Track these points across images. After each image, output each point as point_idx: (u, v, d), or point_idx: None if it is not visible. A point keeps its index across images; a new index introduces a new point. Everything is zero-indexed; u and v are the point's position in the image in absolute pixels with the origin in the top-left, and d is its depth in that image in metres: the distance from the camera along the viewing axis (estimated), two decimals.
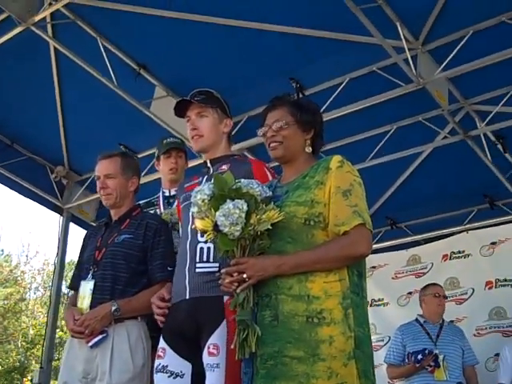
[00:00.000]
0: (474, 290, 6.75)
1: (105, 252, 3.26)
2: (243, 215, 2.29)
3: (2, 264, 26.06)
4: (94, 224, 4.06)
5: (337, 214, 2.33)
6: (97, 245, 3.32)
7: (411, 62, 5.17)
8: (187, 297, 2.72)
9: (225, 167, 2.87)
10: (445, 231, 7.49)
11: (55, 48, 5.90)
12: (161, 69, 6.11)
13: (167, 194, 3.99)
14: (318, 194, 2.38)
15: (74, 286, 3.38)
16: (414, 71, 5.19)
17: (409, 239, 7.87)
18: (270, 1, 5.18)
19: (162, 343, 2.80)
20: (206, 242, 2.68)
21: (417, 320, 5.46)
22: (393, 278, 7.50)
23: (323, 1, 4.95)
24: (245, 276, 2.33)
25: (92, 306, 3.12)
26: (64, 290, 7.58)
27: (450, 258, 7.12)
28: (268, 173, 2.87)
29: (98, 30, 5.74)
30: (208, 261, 2.72)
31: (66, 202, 7.81)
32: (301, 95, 5.85)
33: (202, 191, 2.41)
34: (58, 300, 7.95)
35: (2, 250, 28.06)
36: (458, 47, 5.11)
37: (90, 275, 3.22)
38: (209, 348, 2.57)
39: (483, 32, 5.08)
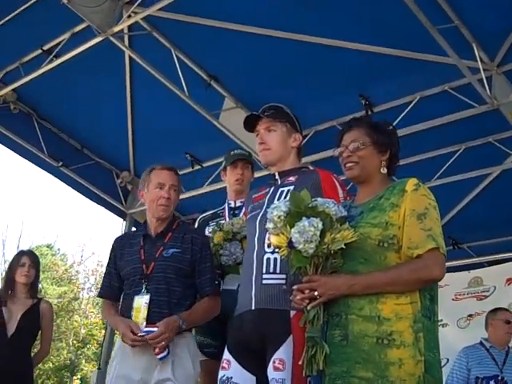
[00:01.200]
0: None
1: (154, 266, 3.25)
2: (318, 233, 2.30)
3: (57, 263, 26.70)
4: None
5: (411, 236, 2.32)
6: (141, 258, 3.30)
7: (486, 83, 5.12)
8: (253, 307, 2.71)
9: (292, 179, 2.89)
10: (509, 255, 7.34)
11: (130, 58, 6.04)
12: (231, 81, 6.20)
13: (232, 205, 4.03)
14: (393, 216, 2.37)
15: (110, 295, 3.41)
16: (488, 92, 5.14)
17: (471, 261, 7.73)
18: (344, 17, 5.19)
19: (226, 354, 2.79)
20: (272, 252, 2.69)
21: (481, 344, 5.35)
22: (453, 300, 7.40)
23: (399, 19, 4.93)
24: (316, 293, 2.34)
25: (148, 319, 3.15)
26: None
27: None
28: (336, 182, 2.87)
29: (172, 42, 5.87)
30: (275, 272, 2.71)
31: (129, 207, 7.99)
32: (369, 112, 5.85)
33: (279, 207, 2.43)
34: None
35: (59, 249, 28.79)
36: None
37: (143, 289, 3.21)
38: (274, 362, 2.56)
39: None
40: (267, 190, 2.96)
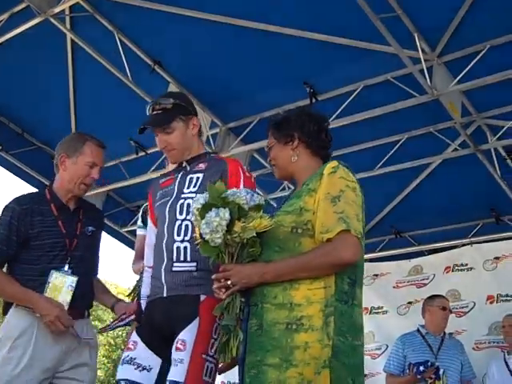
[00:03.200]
0: (475, 303, 6.76)
1: (77, 243, 3.16)
2: (224, 223, 2.31)
3: None
4: None
5: (323, 221, 2.29)
6: (61, 231, 3.14)
7: (426, 73, 5.17)
8: (164, 295, 2.72)
9: (202, 166, 2.90)
10: (449, 243, 7.49)
11: (72, 40, 5.92)
12: (175, 66, 6.12)
13: None
14: (308, 201, 2.36)
15: (5, 260, 3.12)
16: (428, 82, 5.19)
17: (413, 249, 7.85)
18: (289, 5, 5.18)
19: (134, 336, 2.78)
20: (182, 241, 2.72)
21: (418, 331, 5.47)
22: (394, 287, 7.51)
23: (342, 8, 4.95)
24: (229, 282, 2.34)
25: (72, 304, 3.05)
26: None
27: (453, 270, 7.12)
28: (241, 171, 2.86)
29: (115, 25, 5.76)
30: (185, 260, 2.71)
31: None
32: (314, 100, 5.86)
33: (197, 200, 2.44)
34: None
35: None
36: (473, 61, 5.11)
37: (66, 267, 3.09)
38: (177, 343, 2.57)
39: (500, 47, 5.08)
40: (175, 175, 2.94)
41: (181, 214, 2.77)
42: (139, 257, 3.81)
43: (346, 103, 5.80)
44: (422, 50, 5.13)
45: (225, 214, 2.32)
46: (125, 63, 5.85)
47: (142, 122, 2.92)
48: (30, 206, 3.12)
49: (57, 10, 5.32)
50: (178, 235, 2.73)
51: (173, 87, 6.25)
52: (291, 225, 2.35)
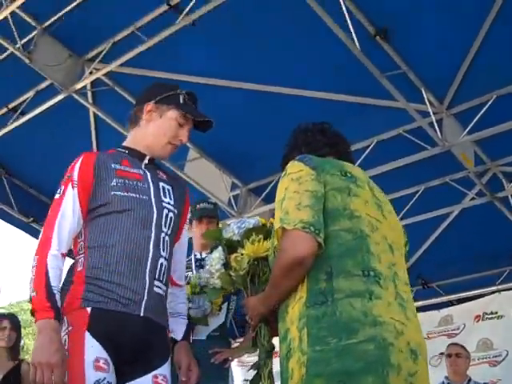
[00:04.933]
0: (508, 352, 6.68)
1: None
2: (214, 263, 2.44)
3: None
4: None
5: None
6: None
7: (436, 126, 5.31)
8: (141, 314, 2.33)
9: (163, 175, 2.64)
10: (476, 292, 7.45)
11: (94, 113, 6.20)
12: (193, 132, 6.31)
13: (198, 256, 4.12)
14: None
15: None
16: (439, 134, 5.32)
17: (441, 299, 7.82)
18: (297, 67, 5.39)
19: (102, 353, 2.27)
20: (165, 258, 2.44)
21: (443, 383, 5.46)
22: (425, 339, 7.43)
23: (349, 67, 5.13)
24: (247, 317, 2.30)
25: None
26: None
27: (483, 319, 7.07)
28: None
29: (135, 95, 6.01)
30: (163, 281, 2.43)
31: None
32: None
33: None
34: None
35: None
36: (482, 111, 5.24)
37: None
38: (157, 378, 2.34)
39: (507, 96, 5.22)
40: (143, 172, 2.54)
41: (165, 226, 2.47)
42: None
43: (361, 158, 5.92)
44: (430, 103, 5.28)
45: (215, 254, 2.42)
46: None
47: (200, 115, 2.72)
48: None
49: (79, 85, 5.62)
50: (164, 250, 2.43)
51: (193, 152, 6.48)
52: (272, 248, 2.21)
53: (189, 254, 4.17)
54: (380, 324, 1.88)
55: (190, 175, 6.49)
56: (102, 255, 2.33)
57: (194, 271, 3.99)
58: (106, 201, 2.38)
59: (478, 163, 5.84)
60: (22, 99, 6.09)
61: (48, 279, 2.17)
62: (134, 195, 2.43)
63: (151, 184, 2.52)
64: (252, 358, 9.20)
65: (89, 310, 2.25)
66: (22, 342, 6.08)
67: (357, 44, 4.71)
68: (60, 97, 5.71)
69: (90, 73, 5.58)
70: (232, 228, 2.36)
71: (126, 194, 2.41)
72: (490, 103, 5.24)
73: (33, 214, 7.50)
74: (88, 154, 2.48)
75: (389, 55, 4.99)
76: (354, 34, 4.68)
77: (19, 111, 6.12)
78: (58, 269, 2.23)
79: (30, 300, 2.17)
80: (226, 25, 5.12)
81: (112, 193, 2.39)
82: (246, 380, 8.43)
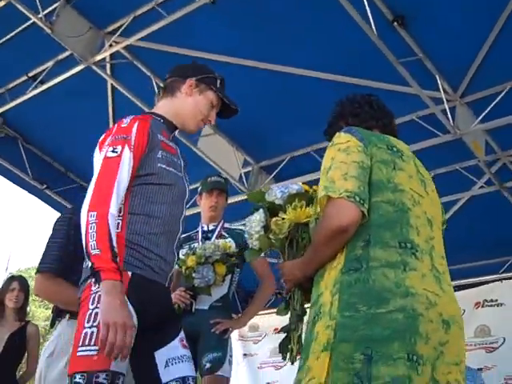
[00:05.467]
0: (505, 339, 6.76)
1: None
2: (254, 225, 2.37)
3: None
4: None
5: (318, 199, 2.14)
6: None
7: (449, 113, 5.35)
8: (166, 284, 2.49)
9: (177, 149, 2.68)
10: (479, 279, 7.52)
11: (112, 85, 6.28)
12: None
13: (205, 228, 4.23)
14: None
15: (62, 270, 2.95)
16: (451, 122, 5.37)
17: None
18: (317, 50, 5.44)
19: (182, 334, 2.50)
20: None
21: None
22: None
23: (366, 51, 5.16)
24: (282, 281, 2.32)
25: None
26: None
27: (483, 306, 7.14)
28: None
29: (152, 69, 6.10)
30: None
31: None
32: None
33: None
34: None
35: None
36: (495, 101, 5.28)
37: None
38: (182, 341, 2.46)
39: None
40: (175, 146, 2.62)
41: (186, 204, 2.58)
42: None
43: None
44: (445, 91, 5.33)
45: (256, 216, 2.37)
46: None
47: (232, 102, 2.84)
48: None
49: (98, 57, 5.72)
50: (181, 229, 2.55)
51: (207, 127, 6.55)
52: (314, 216, 2.27)
53: (196, 226, 4.29)
54: (412, 295, 1.91)
55: (203, 150, 6.58)
56: (144, 223, 2.37)
57: (200, 242, 4.12)
58: (153, 171, 2.42)
59: (489, 152, 5.88)
60: (41, 68, 6.21)
61: (111, 240, 2.18)
62: (173, 171, 2.49)
63: (182, 161, 2.60)
64: (252, 333, 9.35)
65: (129, 274, 2.28)
66: (28, 308, 6.24)
67: (374, 30, 4.76)
68: (79, 68, 5.81)
69: (110, 45, 5.68)
70: (275, 192, 2.38)
71: (168, 168, 2.46)
72: (503, 93, 5.27)
73: (46, 180, 7.64)
74: (143, 119, 2.48)
75: (405, 42, 5.02)
76: (371, 20, 4.73)
77: (38, 80, 6.25)
78: (114, 229, 2.22)
79: (90, 256, 2.16)
80: (245, 4, 5.19)
81: (158, 165, 2.43)
82: (245, 354, 8.59)
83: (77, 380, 2.12)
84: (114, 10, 5.62)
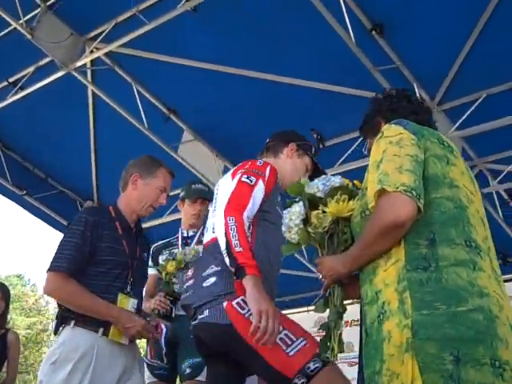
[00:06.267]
0: None
1: (136, 266, 3.09)
2: (294, 217, 2.29)
3: (27, 293, 26.50)
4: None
5: (369, 193, 2.03)
6: (126, 251, 3.06)
7: None
8: None
9: None
10: None
11: (93, 91, 6.30)
12: (189, 114, 6.46)
13: (185, 234, 4.26)
14: (366, 179, 2.13)
15: (76, 275, 2.90)
16: None
17: None
18: (296, 58, 5.49)
19: None
20: None
21: None
22: None
23: (345, 60, 5.23)
24: (320, 277, 2.24)
25: None
26: None
27: None
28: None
29: (133, 76, 6.13)
30: None
31: None
32: (321, 146, 6.12)
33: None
34: None
35: (29, 280, 28.60)
36: (471, 108, 5.37)
37: (128, 289, 3.03)
38: None
39: (496, 95, 5.35)
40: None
41: None
42: (148, 296, 3.93)
43: (351, 149, 6.05)
44: (422, 99, 5.37)
45: (296, 208, 2.30)
46: (141, 112, 6.21)
47: (321, 169, 3.12)
48: (100, 219, 3.03)
49: (79, 63, 5.73)
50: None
51: (187, 134, 6.59)
52: (359, 210, 2.16)
53: (176, 232, 4.32)
54: (486, 295, 1.83)
55: (184, 157, 6.61)
56: (265, 254, 2.62)
57: (180, 248, 4.14)
58: (272, 211, 2.74)
59: (465, 159, 5.90)
60: (22, 74, 6.21)
61: (247, 239, 2.44)
62: (279, 210, 2.76)
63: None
64: None
65: None
66: (9, 316, 6.19)
67: (352, 38, 4.84)
68: (60, 74, 5.82)
69: (91, 52, 5.69)
70: (316, 184, 2.31)
71: (280, 211, 2.69)
72: (479, 101, 5.36)
73: (26, 187, 7.61)
74: (274, 168, 2.82)
75: (383, 50, 5.11)
76: (350, 28, 4.81)
77: (19, 86, 6.24)
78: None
79: (234, 253, 2.38)
80: (226, 12, 5.23)
81: (276, 207, 2.77)
82: None
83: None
84: (95, 17, 5.64)
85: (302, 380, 2.35)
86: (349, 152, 6.03)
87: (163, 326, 3.17)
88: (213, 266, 2.61)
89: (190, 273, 2.87)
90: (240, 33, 5.39)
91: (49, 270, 2.92)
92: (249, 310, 2.38)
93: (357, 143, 6.06)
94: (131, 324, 2.91)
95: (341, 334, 2.19)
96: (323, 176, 2.37)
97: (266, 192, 2.68)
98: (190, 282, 2.80)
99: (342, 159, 6.05)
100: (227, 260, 2.41)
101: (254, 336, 2.28)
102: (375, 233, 1.96)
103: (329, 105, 5.83)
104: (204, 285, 2.59)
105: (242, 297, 2.43)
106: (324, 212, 2.23)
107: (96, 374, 2.81)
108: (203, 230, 4.22)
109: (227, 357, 2.57)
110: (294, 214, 2.27)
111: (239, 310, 2.45)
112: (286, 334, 2.41)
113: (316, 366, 2.36)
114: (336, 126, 6.09)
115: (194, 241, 4.19)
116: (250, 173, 2.69)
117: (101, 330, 2.89)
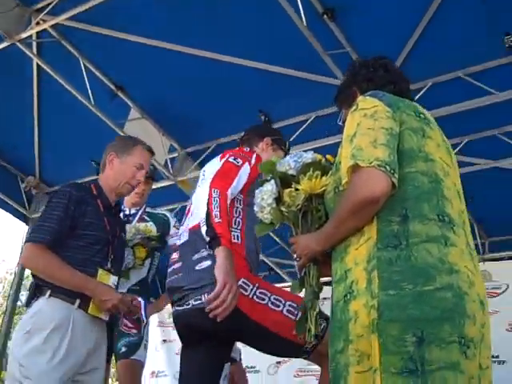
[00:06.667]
0: (508, 285, 6.89)
1: (116, 243, 3.12)
2: (266, 197, 2.27)
3: None
4: None
5: (343, 168, 1.97)
6: (107, 228, 3.08)
7: None
8: None
9: None
10: None
11: (38, 64, 6.14)
12: (137, 92, 6.38)
13: (127, 212, 4.24)
14: (340, 153, 2.08)
15: (53, 246, 2.90)
16: None
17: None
18: (246, 39, 5.48)
19: None
20: None
21: None
22: None
23: (295, 43, 5.25)
24: (295, 256, 2.19)
25: None
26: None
27: None
28: None
29: (81, 51, 6.00)
30: None
31: (33, 212, 7.99)
32: None
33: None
34: (14, 309, 8.00)
35: None
36: (417, 96, 5.45)
37: (108, 265, 3.03)
38: None
39: (441, 84, 5.47)
40: None
41: None
42: None
43: (298, 131, 6.09)
44: None
45: (267, 187, 2.27)
46: (88, 88, 6.09)
47: None
48: (84, 196, 3.05)
49: (24, 35, 5.57)
50: None
51: (134, 112, 6.51)
52: (333, 185, 2.10)
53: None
54: (456, 272, 1.80)
55: (130, 134, 6.49)
56: (251, 240, 2.75)
57: None
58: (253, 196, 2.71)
59: None
60: None
61: (227, 213, 2.57)
62: None
63: None
64: (171, 320, 9.23)
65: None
66: None
67: (304, 21, 4.85)
68: (4, 45, 5.64)
69: (37, 23, 5.53)
70: (288, 161, 2.26)
71: None
72: (425, 90, 5.46)
73: None
74: (260, 157, 2.99)
75: (334, 34, 5.14)
76: (302, 11, 4.82)
77: None
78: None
79: (212, 223, 2.48)
80: None
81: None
82: (164, 340, 8.61)
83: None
84: None
85: (313, 343, 2.49)
86: (296, 134, 6.06)
87: (140, 299, 3.14)
88: (204, 250, 2.63)
89: (175, 256, 2.84)
90: (191, 11, 5.32)
91: (27, 241, 2.95)
92: (251, 290, 2.57)
93: (304, 126, 6.12)
94: (108, 297, 2.91)
95: (317, 314, 2.18)
96: (295, 152, 2.34)
97: (251, 176, 2.79)
98: (177, 264, 2.78)
99: (290, 141, 6.06)
100: (204, 229, 2.49)
101: (209, 303, 2.36)
102: (349, 209, 1.92)
103: (278, 87, 5.84)
104: (197, 268, 2.64)
105: (243, 278, 2.56)
106: (297, 189, 2.20)
107: (71, 345, 2.80)
108: (145, 207, 4.25)
109: (213, 343, 2.67)
110: (266, 193, 2.26)
111: (242, 292, 2.53)
112: (291, 305, 2.58)
113: (323, 325, 2.47)
114: (284, 109, 6.11)
115: (136, 218, 4.19)
116: (237, 155, 2.85)
117: (77, 301, 2.88)
